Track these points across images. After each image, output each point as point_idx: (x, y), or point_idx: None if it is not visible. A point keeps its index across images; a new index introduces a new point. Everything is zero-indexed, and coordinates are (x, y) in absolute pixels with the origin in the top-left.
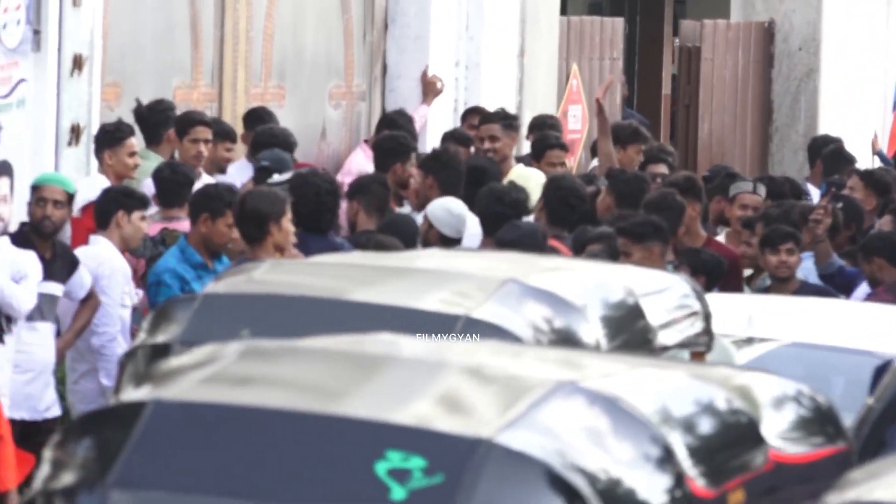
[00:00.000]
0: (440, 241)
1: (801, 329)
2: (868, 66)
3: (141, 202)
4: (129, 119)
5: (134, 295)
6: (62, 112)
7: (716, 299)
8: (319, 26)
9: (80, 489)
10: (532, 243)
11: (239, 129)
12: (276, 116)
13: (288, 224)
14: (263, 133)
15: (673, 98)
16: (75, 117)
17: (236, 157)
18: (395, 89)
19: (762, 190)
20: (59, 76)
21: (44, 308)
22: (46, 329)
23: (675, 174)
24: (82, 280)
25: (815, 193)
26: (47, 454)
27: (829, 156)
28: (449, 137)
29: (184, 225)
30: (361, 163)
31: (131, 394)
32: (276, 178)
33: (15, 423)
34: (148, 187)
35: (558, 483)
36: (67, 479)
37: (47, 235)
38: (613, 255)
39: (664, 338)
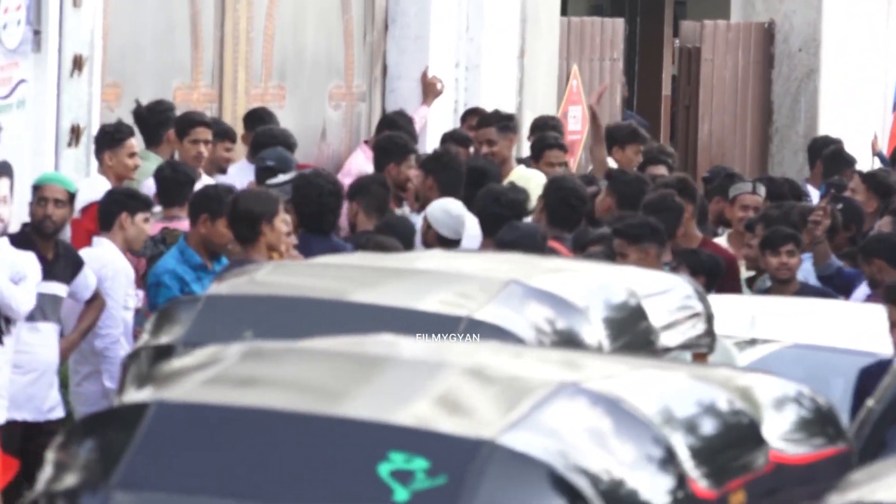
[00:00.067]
0: (439, 243)
1: (803, 330)
2: (868, 67)
3: (144, 204)
4: (129, 120)
5: (136, 297)
6: (62, 113)
7: (717, 301)
8: (320, 27)
9: (83, 490)
10: (532, 244)
11: (239, 129)
12: (277, 117)
13: (281, 224)
14: (263, 134)
15: (673, 99)
16: (75, 118)
17: (236, 157)
18: (395, 90)
19: (762, 190)
20: (59, 77)
21: (46, 308)
22: (49, 329)
23: (668, 176)
24: (87, 281)
25: (815, 194)
26: (50, 456)
27: (829, 157)
28: (448, 138)
29: (184, 224)
30: (361, 164)
31: (134, 395)
32: (278, 178)
33: (17, 424)
34: (148, 188)
35: (561, 484)
36: (70, 480)
37: (48, 235)
38: (613, 256)
39: (666, 339)
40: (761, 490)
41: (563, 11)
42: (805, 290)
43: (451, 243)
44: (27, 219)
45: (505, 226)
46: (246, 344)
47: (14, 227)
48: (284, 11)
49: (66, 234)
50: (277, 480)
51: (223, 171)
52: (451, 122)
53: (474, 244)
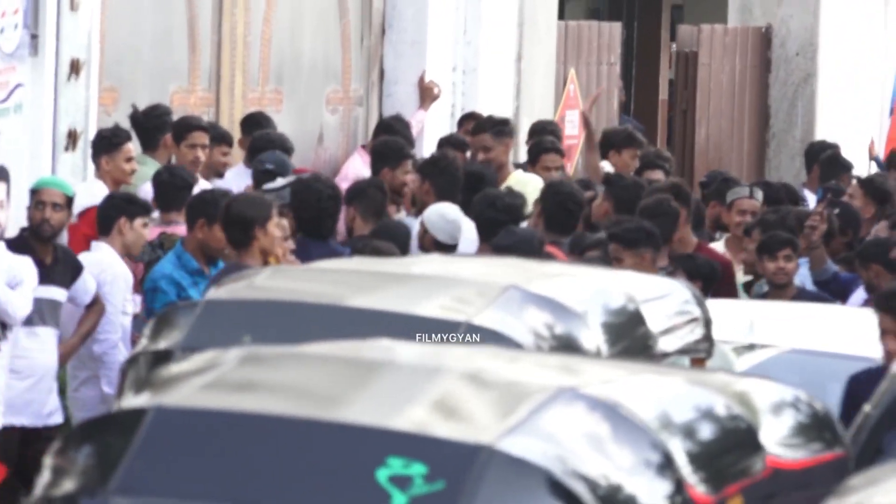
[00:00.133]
0: (435, 247)
1: (801, 335)
2: (865, 72)
3: (143, 209)
4: (126, 124)
5: (134, 302)
6: (59, 117)
7: (716, 305)
8: (317, 31)
9: (81, 496)
10: (528, 249)
11: (236, 134)
12: (274, 121)
13: (275, 229)
14: (261, 138)
15: (670, 103)
16: (72, 122)
17: (233, 161)
18: (392, 94)
19: (759, 194)
20: (56, 81)
21: (45, 313)
22: (48, 334)
23: (662, 181)
24: (87, 285)
25: (811, 199)
26: (48, 461)
27: (825, 161)
28: (445, 143)
29: (182, 229)
30: (358, 168)
31: (132, 400)
32: (275, 182)
33: (15, 430)
34: (145, 192)
35: (559, 489)
36: (68, 485)
37: (47, 239)
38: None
39: (664, 344)
40: (759, 495)
41: (561, 15)
42: (802, 295)
43: (447, 248)
44: (25, 223)
45: (502, 230)
46: (244, 349)
47: (12, 232)
48: (282, 16)
49: (63, 238)
50: (276, 486)
51: (220, 175)
52: (448, 127)
53: (471, 248)
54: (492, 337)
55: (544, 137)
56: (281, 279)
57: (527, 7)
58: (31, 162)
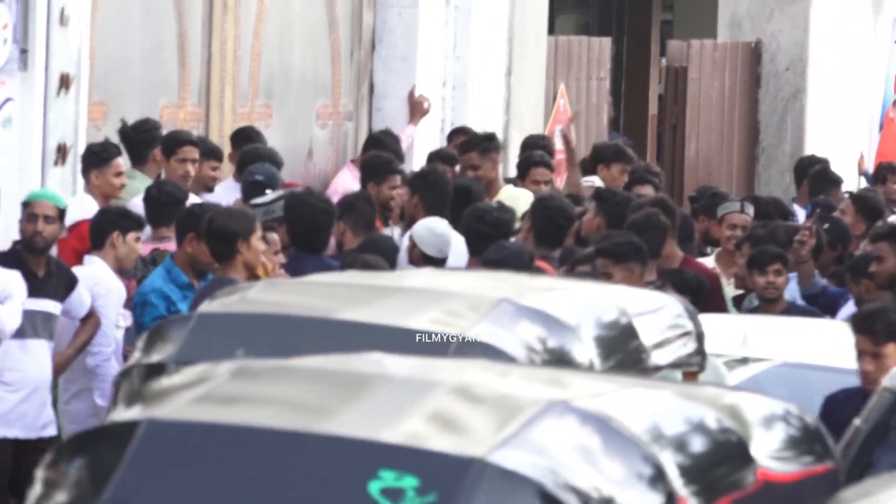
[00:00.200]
0: (424, 261)
1: (794, 349)
2: (855, 87)
3: (136, 223)
4: (116, 138)
5: (126, 316)
6: (49, 131)
7: (708, 319)
8: (307, 46)
9: None
10: (518, 263)
11: (226, 148)
12: (264, 136)
13: (258, 243)
14: (250, 153)
15: (660, 118)
16: (62, 136)
17: (223, 176)
18: (381, 109)
19: (750, 209)
20: (45, 95)
21: (38, 325)
22: (40, 346)
23: (647, 196)
24: (81, 299)
25: (801, 214)
26: (40, 474)
27: (815, 176)
28: (435, 157)
29: (174, 245)
30: (348, 183)
31: (124, 413)
32: (265, 196)
33: (9, 442)
34: (134, 206)
35: (551, 502)
36: (60, 498)
37: (39, 251)
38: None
39: (657, 357)
40: None
41: (551, 30)
42: (792, 310)
43: (436, 262)
44: (15, 237)
45: (492, 245)
46: (235, 362)
47: (3, 245)
48: (271, 30)
49: (53, 252)
50: (268, 499)
51: (210, 190)
52: (437, 141)
53: (461, 262)
54: (485, 350)
55: (533, 152)
56: (274, 293)
57: (516, 22)
58: (21, 176)
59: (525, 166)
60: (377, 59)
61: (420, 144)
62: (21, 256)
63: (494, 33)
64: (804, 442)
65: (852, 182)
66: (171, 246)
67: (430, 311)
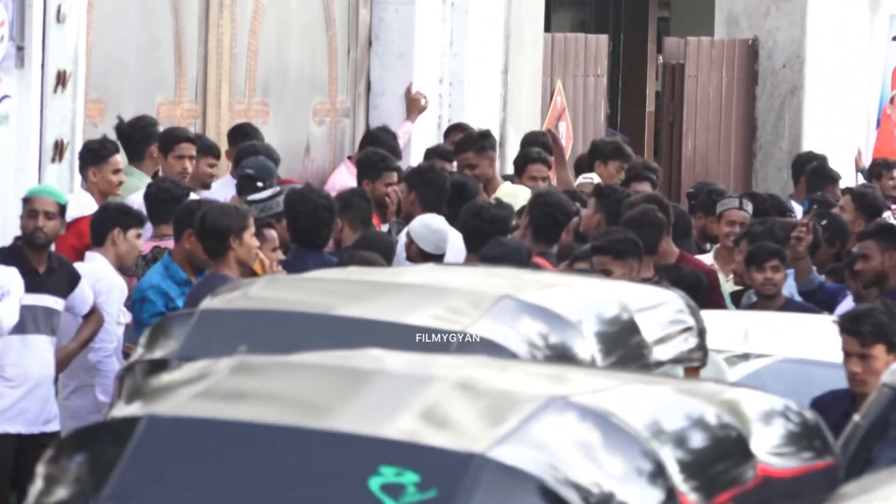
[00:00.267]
0: (421, 258)
1: (794, 345)
2: (852, 83)
3: (137, 220)
4: (113, 135)
5: (127, 313)
6: (46, 128)
7: (709, 316)
8: (303, 43)
9: None
10: (516, 260)
11: (223, 145)
12: (261, 133)
13: (251, 239)
14: (246, 149)
15: (657, 115)
16: (59, 133)
17: (220, 173)
18: (378, 106)
19: (749, 206)
20: (42, 92)
21: (39, 321)
22: (41, 342)
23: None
24: (84, 295)
25: (798, 210)
26: (41, 469)
27: (812, 173)
28: (432, 153)
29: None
30: (345, 179)
31: (125, 409)
32: (262, 194)
33: (10, 438)
34: (131, 204)
35: (551, 497)
36: (60, 494)
37: (40, 247)
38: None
39: (658, 353)
40: (750, 503)
41: (547, 27)
42: (790, 306)
43: (433, 258)
44: (13, 234)
45: (490, 241)
46: (236, 358)
47: (4, 242)
48: (268, 28)
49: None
50: (268, 494)
51: (207, 186)
52: (434, 138)
53: (458, 259)
54: (487, 347)
55: (531, 148)
56: (276, 289)
57: (513, 19)
58: (18, 173)
59: (522, 163)
60: (374, 56)
61: (417, 141)
62: (22, 252)
63: (491, 30)
64: (804, 437)
65: (850, 178)
66: (171, 243)
67: (431, 308)
